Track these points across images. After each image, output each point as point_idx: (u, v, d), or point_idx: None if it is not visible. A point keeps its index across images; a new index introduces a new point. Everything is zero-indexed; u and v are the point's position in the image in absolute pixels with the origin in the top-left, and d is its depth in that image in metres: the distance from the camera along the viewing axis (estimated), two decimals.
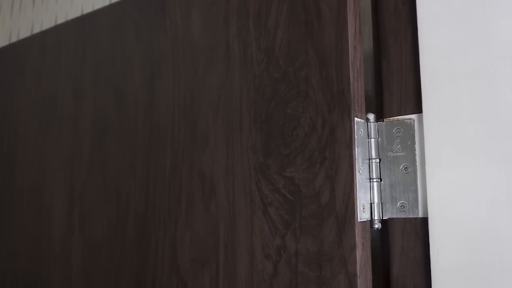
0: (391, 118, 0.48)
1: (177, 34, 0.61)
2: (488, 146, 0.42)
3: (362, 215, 0.45)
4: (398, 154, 0.47)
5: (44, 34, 0.81)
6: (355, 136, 0.45)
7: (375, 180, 0.47)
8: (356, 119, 0.46)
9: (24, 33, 0.99)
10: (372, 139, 0.48)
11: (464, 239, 0.43)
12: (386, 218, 0.47)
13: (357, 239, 0.44)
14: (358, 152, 0.45)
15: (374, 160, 0.47)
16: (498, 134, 0.42)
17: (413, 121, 0.47)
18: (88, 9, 0.89)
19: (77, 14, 0.90)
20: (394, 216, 0.47)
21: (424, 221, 0.45)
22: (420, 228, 0.46)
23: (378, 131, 0.48)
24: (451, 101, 0.45)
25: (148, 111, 0.63)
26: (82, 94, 0.72)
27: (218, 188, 0.54)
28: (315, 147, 0.47)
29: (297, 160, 0.48)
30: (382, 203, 0.47)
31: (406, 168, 0.47)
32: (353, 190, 0.44)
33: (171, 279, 0.56)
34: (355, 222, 0.44)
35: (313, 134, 0.47)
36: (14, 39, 1.01)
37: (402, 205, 0.46)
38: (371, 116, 0.48)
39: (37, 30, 0.96)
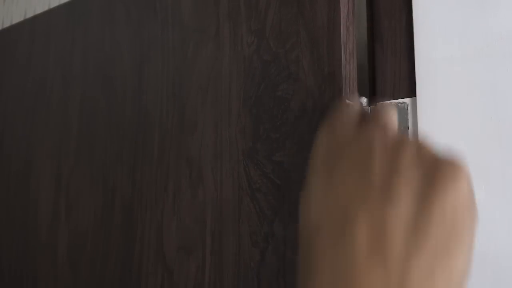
0: (384, 102, 0.47)
1: (167, 16, 0.59)
2: (484, 130, 0.41)
3: None
4: None
5: (34, 19, 0.79)
6: None
7: None
8: (347, 101, 0.44)
9: (17, 21, 0.97)
10: None
11: None
12: None
13: None
14: None
15: None
16: (495, 118, 0.40)
17: (407, 105, 0.46)
18: None
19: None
20: None
21: None
22: None
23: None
24: (446, 84, 0.43)
25: (137, 96, 0.61)
26: (71, 79, 0.70)
27: (205, 174, 0.52)
28: (305, 130, 0.45)
29: (286, 144, 0.46)
30: None
31: None
32: None
33: (157, 267, 0.55)
34: None
35: (303, 117, 0.46)
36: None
37: None
38: (364, 100, 0.46)
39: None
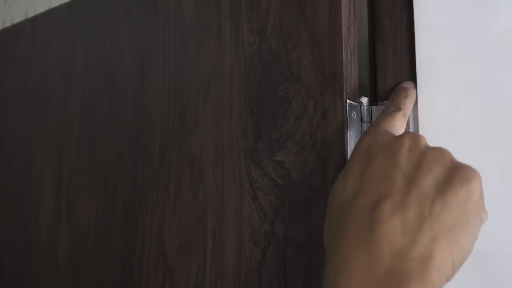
0: (385, 102, 0.47)
1: (168, 16, 0.59)
2: (484, 130, 0.41)
3: None
4: None
5: (36, 18, 0.79)
6: (348, 119, 0.44)
7: None
8: (348, 101, 0.44)
9: (18, 21, 0.97)
10: (365, 123, 0.46)
11: None
12: None
13: None
14: (350, 135, 0.44)
15: None
16: (495, 118, 0.41)
17: None
18: None
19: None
20: None
21: None
22: None
23: (372, 115, 0.47)
24: (447, 84, 0.43)
25: (138, 96, 0.61)
26: (72, 79, 0.71)
27: (207, 173, 0.52)
28: (306, 130, 0.46)
29: (287, 144, 0.47)
30: None
31: None
32: None
33: (158, 267, 0.55)
34: None
35: (304, 117, 0.46)
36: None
37: None
38: (365, 100, 0.46)
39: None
